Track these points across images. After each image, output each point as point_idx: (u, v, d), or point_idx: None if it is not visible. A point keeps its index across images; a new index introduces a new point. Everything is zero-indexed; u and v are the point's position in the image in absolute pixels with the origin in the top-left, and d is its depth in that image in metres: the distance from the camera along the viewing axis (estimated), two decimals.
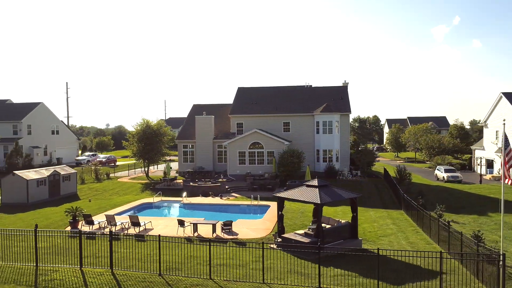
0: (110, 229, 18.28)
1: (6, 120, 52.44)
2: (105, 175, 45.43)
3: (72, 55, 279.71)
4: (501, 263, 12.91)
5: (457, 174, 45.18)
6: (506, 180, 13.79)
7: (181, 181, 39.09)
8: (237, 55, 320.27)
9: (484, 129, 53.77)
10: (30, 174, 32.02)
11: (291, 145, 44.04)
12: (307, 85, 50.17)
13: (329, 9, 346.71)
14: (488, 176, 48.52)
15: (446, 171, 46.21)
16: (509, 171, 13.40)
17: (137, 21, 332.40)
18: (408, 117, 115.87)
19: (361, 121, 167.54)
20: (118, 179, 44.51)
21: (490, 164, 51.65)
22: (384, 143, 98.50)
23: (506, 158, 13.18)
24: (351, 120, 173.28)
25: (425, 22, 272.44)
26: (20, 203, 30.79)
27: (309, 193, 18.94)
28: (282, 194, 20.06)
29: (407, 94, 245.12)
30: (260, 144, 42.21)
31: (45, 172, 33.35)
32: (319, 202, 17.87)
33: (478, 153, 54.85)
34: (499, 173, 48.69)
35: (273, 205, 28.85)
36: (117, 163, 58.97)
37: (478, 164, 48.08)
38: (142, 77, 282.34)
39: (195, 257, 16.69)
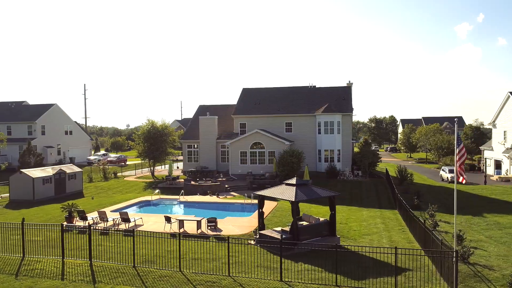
0: (88, 223, 19.30)
1: (22, 121, 54.77)
2: (112, 174, 46.93)
3: (93, 58, 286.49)
4: (453, 259, 13.22)
5: None
6: (461, 179, 14.03)
7: (182, 180, 40.10)
8: (247, 56, 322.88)
9: (493, 129, 52.87)
10: (36, 173, 33.59)
11: (293, 145, 44.53)
12: (311, 86, 50.49)
13: (346, 9, 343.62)
14: (495, 177, 47.75)
15: (450, 171, 45.75)
16: (462, 169, 13.65)
17: (155, 26, 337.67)
18: (423, 117, 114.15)
19: (377, 121, 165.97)
20: (125, 178, 45.94)
21: (498, 164, 50.80)
22: (397, 144, 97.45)
23: (458, 157, 13.44)
24: (367, 120, 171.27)
25: (449, 19, 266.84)
26: (26, 200, 32.37)
27: (286, 192, 19.51)
28: (262, 192, 20.69)
29: (424, 94, 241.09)
30: (261, 144, 42.86)
31: (51, 171, 34.90)
32: (293, 200, 18.42)
33: (487, 154, 53.99)
34: (507, 174, 47.86)
35: (266, 203, 29.53)
36: (128, 163, 60.63)
37: (483, 165, 47.37)
38: (162, 80, 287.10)
39: (172, 251, 17.49)
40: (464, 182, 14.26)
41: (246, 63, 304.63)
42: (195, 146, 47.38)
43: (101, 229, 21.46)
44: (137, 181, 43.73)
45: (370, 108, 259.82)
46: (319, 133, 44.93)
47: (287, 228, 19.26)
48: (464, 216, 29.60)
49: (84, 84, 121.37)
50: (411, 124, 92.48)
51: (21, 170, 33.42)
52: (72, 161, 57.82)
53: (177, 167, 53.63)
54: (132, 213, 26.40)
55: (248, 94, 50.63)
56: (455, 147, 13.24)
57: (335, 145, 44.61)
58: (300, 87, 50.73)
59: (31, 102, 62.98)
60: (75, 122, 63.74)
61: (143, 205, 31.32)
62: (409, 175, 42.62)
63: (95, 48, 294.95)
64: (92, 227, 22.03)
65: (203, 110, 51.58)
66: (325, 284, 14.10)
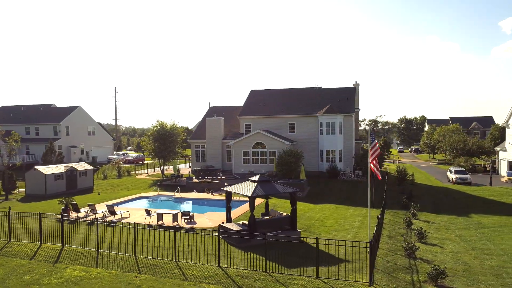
0: (61, 213, 21.51)
1: (48, 122, 59.09)
2: (126, 172, 49.86)
3: (124, 62, 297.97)
4: (368, 250, 14.16)
5: (467, 175, 44.04)
6: (379, 176, 14.85)
7: (184, 178, 42.19)
8: (261, 59, 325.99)
9: (506, 130, 51.46)
10: (48, 169, 36.73)
11: (296, 145, 45.59)
12: (317, 87, 51.29)
13: (370, 9, 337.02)
14: (505, 178, 46.59)
15: (456, 172, 45.20)
16: (374, 164, 14.49)
17: (182, 34, 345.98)
18: (450, 117, 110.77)
19: (407, 121, 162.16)
20: (137, 176, 48.71)
21: (511, 166, 49.42)
22: (420, 145, 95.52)
23: (370, 153, 14.32)
24: (396, 120, 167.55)
25: (493, 16, 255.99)
26: (39, 194, 35.52)
27: (248, 187, 20.85)
28: (228, 188, 22.17)
29: (456, 94, 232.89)
30: (263, 144, 44.23)
31: (63, 168, 37.99)
32: (250, 195, 19.77)
33: (501, 155, 52.58)
34: None
35: (256, 200, 31.00)
36: (146, 162, 63.74)
37: (489, 166, 46.31)
38: (192, 83, 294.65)
39: (139, 240, 19.34)
40: (380, 178, 15.02)
41: (261, 66, 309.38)
42: (203, 146, 49.44)
43: (88, 220, 23.75)
44: (147, 179, 46.32)
45: (401, 108, 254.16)
46: (321, 133, 45.72)
47: (241, 222, 20.63)
48: (449, 216, 29.74)
49: (115, 87, 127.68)
50: (434, 124, 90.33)
51: (35, 167, 36.66)
52: (94, 160, 61.63)
53: (189, 166, 55.93)
54: (125, 207, 28.55)
55: (255, 96, 52.15)
56: (368, 144, 14.16)
57: (337, 145, 45.24)
58: (305, 88, 51.66)
59: (61, 104, 67.72)
60: (98, 123, 67.70)
61: (140, 200, 33.56)
62: (409, 176, 42.64)
63: (125, 53, 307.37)
64: (82, 218, 24.52)
65: (213, 111, 53.58)
66: (256, 270, 15.40)
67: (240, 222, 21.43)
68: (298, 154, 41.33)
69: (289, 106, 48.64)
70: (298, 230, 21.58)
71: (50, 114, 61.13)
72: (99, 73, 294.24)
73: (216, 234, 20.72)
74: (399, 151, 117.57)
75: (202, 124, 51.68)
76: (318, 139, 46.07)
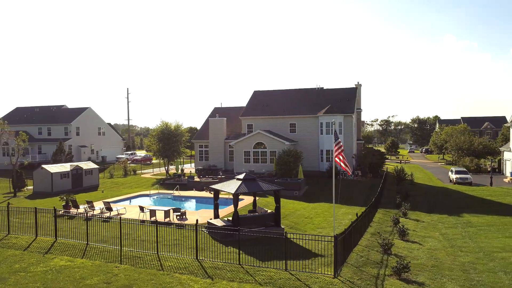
0: (55, 208, 22.64)
1: (59, 123, 61.14)
2: (132, 171, 51.34)
3: (137, 64, 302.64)
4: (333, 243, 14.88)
5: (467, 176, 44.02)
6: (349, 171, 15.52)
7: (186, 177, 43.33)
8: (267, 60, 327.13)
9: (511, 130, 51.05)
10: (55, 168, 38.33)
11: (297, 145, 46.28)
12: (318, 88, 51.86)
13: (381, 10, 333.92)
14: (508, 179, 46.34)
15: (456, 172, 45.21)
16: (341, 159, 15.20)
17: (191, 36, 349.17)
18: (462, 117, 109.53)
19: (420, 121, 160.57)
20: (142, 175, 50.12)
21: None
22: (429, 145, 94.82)
23: (335, 149, 15.03)
24: (409, 120, 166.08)
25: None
26: (46, 192, 37.13)
27: (232, 185, 21.74)
28: (215, 186, 23.09)
29: (469, 94, 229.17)
30: (263, 144, 45.06)
31: (69, 167, 39.56)
32: (233, 192, 20.66)
33: (506, 155, 52.18)
34: None
35: (247, 198, 31.92)
36: (154, 161, 65.25)
37: (489, 166, 46.12)
38: (204, 85, 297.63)
39: (127, 234, 20.43)
40: (349, 174, 15.73)
41: (269, 67, 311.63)
42: (206, 146, 50.55)
43: (85, 216, 25.00)
44: (151, 177, 47.67)
45: (414, 108, 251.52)
46: (321, 133, 46.30)
47: (226, 218, 21.52)
48: (440, 215, 30.07)
49: (127, 89, 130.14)
50: (444, 124, 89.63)
51: (42, 166, 38.31)
52: (103, 159, 63.44)
53: (194, 166, 57.15)
54: (125, 204, 29.77)
55: (257, 96, 53.03)
56: (333, 142, 14.88)
57: None
58: (307, 89, 52.29)
59: (73, 105, 69.86)
60: (108, 123, 69.59)
61: (141, 198, 34.80)
62: (408, 176, 42.90)
63: (138, 56, 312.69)
64: (80, 214, 25.81)
65: (217, 112, 54.66)
66: (230, 263, 16.27)
67: (226, 219, 22.33)
68: (297, 154, 42.00)
69: (290, 106, 49.34)
70: (282, 227, 22.33)
71: (61, 115, 63.23)
72: (111, 75, 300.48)
73: (203, 229, 21.74)
74: (409, 152, 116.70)
75: (206, 125, 52.81)
76: (318, 139, 46.66)
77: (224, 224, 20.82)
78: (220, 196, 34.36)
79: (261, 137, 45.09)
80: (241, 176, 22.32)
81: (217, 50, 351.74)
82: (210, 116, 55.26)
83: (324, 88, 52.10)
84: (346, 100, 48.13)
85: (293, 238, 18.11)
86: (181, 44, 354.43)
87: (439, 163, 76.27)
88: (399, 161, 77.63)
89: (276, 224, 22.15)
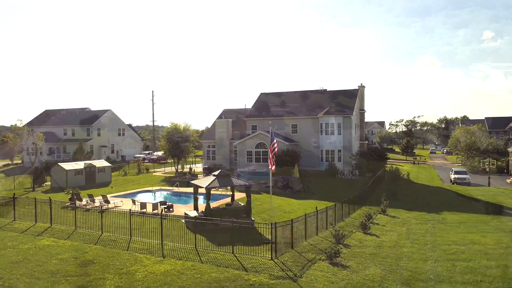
0: (50, 199, 25.77)
1: (82, 124, 65.75)
2: (145, 170, 54.77)
3: (161, 67, 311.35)
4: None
5: (465, 176, 44.43)
6: (273, 167, 17.52)
7: (189, 175, 46.11)
8: (278, 62, 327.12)
9: None
10: (69, 166, 42.06)
11: (298, 145, 48.14)
12: (321, 89, 53.44)
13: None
14: (510, 179, 46.20)
15: (455, 173, 45.65)
16: (273, 160, 17.18)
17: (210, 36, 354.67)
18: (486, 117, 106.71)
19: (447, 122, 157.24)
20: (153, 173, 53.40)
21: None
22: (448, 146, 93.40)
23: (270, 149, 17.03)
24: (435, 121, 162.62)
25: None
26: (62, 187, 40.82)
27: (207, 180, 24.13)
28: (194, 181, 25.58)
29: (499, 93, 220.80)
30: (264, 145, 47.21)
31: (82, 165, 43.25)
32: (204, 186, 23.04)
33: None
34: None
35: (238, 194, 34.17)
36: (169, 161, 68.66)
37: (488, 166, 46.19)
38: (219, 87, 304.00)
39: (115, 223, 23.21)
40: (274, 171, 17.64)
41: (280, 69, 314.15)
42: (213, 146, 53.25)
43: (85, 208, 28.17)
44: (161, 175, 50.81)
45: (441, 109, 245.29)
46: (321, 134, 47.91)
47: (200, 210, 23.89)
48: (418, 213, 31.17)
49: (152, 91, 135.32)
50: (464, 125, 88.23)
51: (58, 163, 42.15)
52: (123, 158, 67.48)
53: (196, 164, 60.06)
54: (127, 198, 32.88)
55: (262, 98, 55.26)
56: (269, 143, 16.93)
57: (336, 145, 47.22)
58: (310, 91, 53.97)
59: (96, 107, 74.65)
60: (128, 125, 73.87)
61: (144, 193, 37.82)
62: (404, 175, 43.86)
63: (162, 59, 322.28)
64: (82, 206, 29.01)
65: (225, 113, 57.31)
66: (187, 247, 18.65)
67: (201, 211, 24.74)
68: (295, 153, 43.89)
69: (293, 108, 51.24)
70: (253, 219, 24.48)
71: (84, 117, 67.89)
72: (135, 79, 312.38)
73: (182, 220, 24.26)
74: (430, 152, 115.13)
75: (213, 126, 55.52)
76: (318, 140, 48.28)
77: (197, 215, 23.21)
78: (212, 192, 37.11)
79: (262, 137, 47.25)
80: (216, 173, 24.65)
81: (231, 54, 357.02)
82: (218, 117, 57.98)
83: (327, 89, 53.60)
84: (347, 101, 49.50)
85: (252, 227, 20.20)
86: (199, 51, 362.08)
87: (456, 164, 75.60)
88: (412, 162, 77.51)
89: (247, 216, 24.32)
